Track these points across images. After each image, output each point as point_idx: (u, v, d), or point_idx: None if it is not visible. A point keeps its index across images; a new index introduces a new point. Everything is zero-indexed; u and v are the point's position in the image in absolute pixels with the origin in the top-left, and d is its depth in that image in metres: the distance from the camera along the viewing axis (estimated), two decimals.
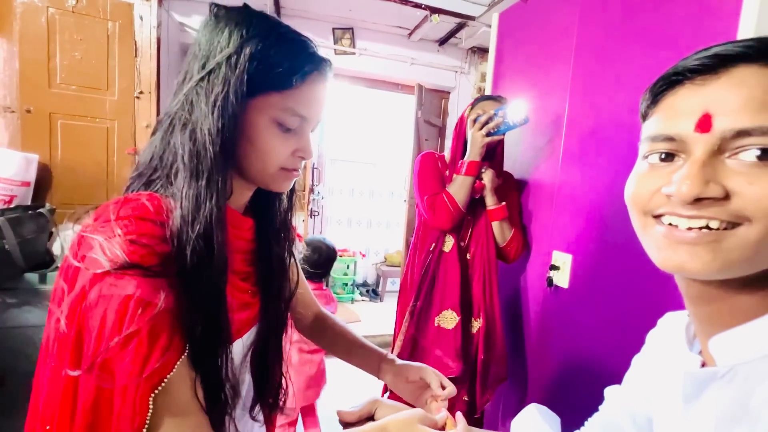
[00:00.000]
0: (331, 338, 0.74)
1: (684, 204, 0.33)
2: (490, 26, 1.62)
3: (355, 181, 4.01)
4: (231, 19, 0.45)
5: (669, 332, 0.48)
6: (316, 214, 2.95)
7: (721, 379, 0.37)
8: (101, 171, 2.13)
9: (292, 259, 0.61)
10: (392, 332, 1.35)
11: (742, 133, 0.32)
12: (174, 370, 0.38)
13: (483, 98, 1.25)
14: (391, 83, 3.17)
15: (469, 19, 2.57)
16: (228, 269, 0.45)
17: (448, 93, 3.25)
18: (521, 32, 1.44)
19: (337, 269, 3.61)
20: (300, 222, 2.57)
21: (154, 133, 0.47)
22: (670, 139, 0.35)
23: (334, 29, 2.82)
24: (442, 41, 2.98)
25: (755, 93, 0.32)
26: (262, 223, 0.55)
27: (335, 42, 2.82)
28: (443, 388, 0.62)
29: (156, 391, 0.36)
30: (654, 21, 0.93)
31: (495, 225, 1.24)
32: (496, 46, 1.58)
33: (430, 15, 2.51)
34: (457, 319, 1.19)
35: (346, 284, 3.61)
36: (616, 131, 1.02)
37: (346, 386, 2.15)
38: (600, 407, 0.57)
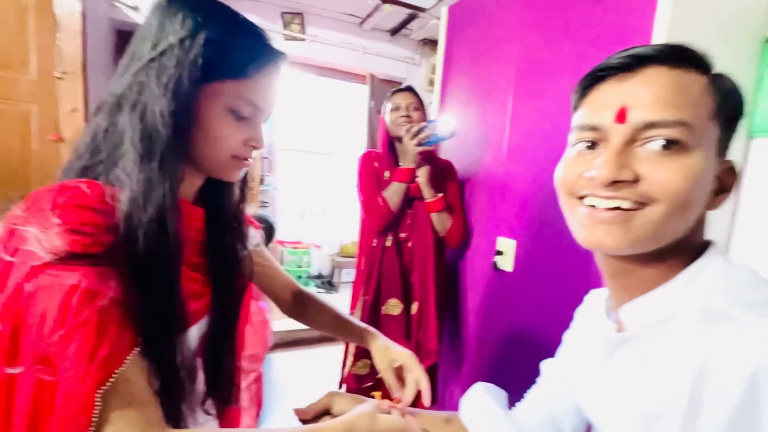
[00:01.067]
0: (313, 315, 0.75)
1: (602, 186, 0.38)
2: (439, 19, 1.65)
3: (308, 172, 3.92)
4: (186, 3, 0.44)
5: (592, 307, 0.54)
6: (267, 205, 2.85)
7: (630, 341, 0.42)
8: (18, 160, 1.89)
9: (246, 251, 0.60)
10: None
11: (649, 125, 0.36)
12: (125, 364, 0.36)
13: (396, 91, 1.36)
14: (343, 72, 3.12)
15: (420, 11, 2.59)
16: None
17: (400, 83, 3.27)
18: (469, 26, 1.48)
19: (290, 261, 3.54)
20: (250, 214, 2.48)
21: (96, 113, 0.44)
22: (593, 128, 0.40)
23: (282, 13, 2.71)
24: (394, 31, 2.98)
25: (661, 91, 0.36)
26: (212, 213, 0.55)
27: (284, 27, 2.71)
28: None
29: (105, 387, 0.34)
30: (582, 23, 1.00)
31: (434, 216, 1.32)
32: (445, 39, 1.61)
33: (382, 4, 2.49)
34: (401, 306, 1.31)
35: (300, 277, 3.56)
36: (555, 125, 1.09)
37: (301, 386, 2.13)
38: (537, 380, 0.63)
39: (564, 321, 1.04)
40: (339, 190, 4.05)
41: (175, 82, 0.41)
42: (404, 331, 1.32)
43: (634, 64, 0.38)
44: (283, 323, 2.74)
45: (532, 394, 0.61)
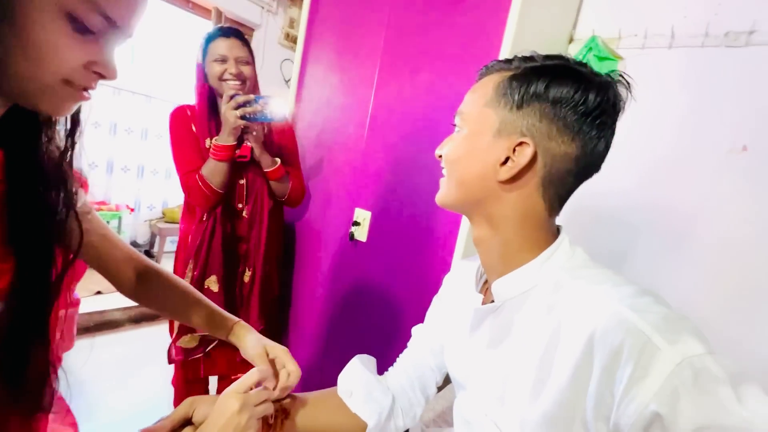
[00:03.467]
0: (162, 299, 0.62)
1: (436, 156, 0.53)
2: None
3: (119, 115, 3.11)
4: None
5: (460, 276, 0.60)
6: None
7: (496, 311, 0.49)
8: None
9: (72, 213, 0.46)
10: None
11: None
12: None
13: (220, 34, 1.10)
14: (183, 0, 2.55)
15: None
16: None
17: (253, 30, 2.91)
18: None
19: None
20: None
21: None
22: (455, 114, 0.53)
23: None
24: None
25: (472, 95, 0.51)
26: (17, 158, 0.41)
27: None
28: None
29: None
30: (445, 28, 1.09)
31: (273, 183, 1.22)
32: None
33: None
34: (218, 284, 1.18)
35: None
36: (415, 102, 1.16)
37: (120, 379, 1.75)
38: (408, 343, 0.67)
39: (412, 288, 1.16)
40: (162, 142, 3.37)
41: None
42: (224, 305, 1.19)
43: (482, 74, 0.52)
44: (83, 305, 2.16)
45: (403, 357, 0.66)
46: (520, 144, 0.45)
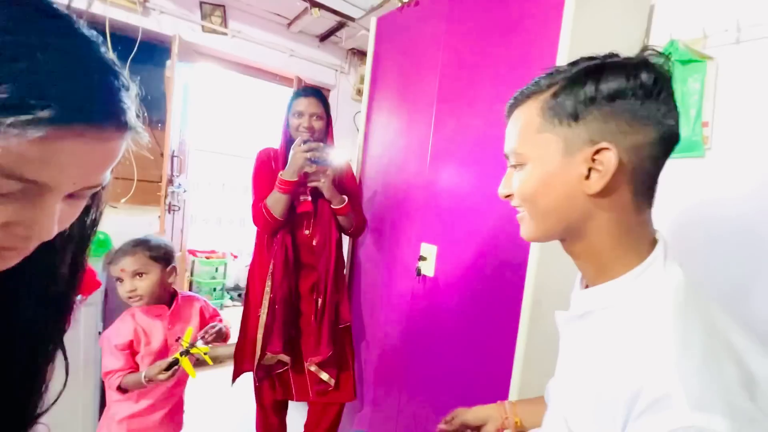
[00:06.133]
0: None
1: (501, 197, 0.54)
2: (368, 30, 1.68)
3: (226, 176, 3.66)
4: None
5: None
6: (177, 209, 2.56)
7: (579, 318, 0.51)
8: None
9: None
10: None
11: (506, 156, 0.53)
12: None
13: (301, 94, 1.34)
14: (269, 73, 2.99)
15: (350, 20, 2.61)
16: None
17: (329, 90, 3.25)
18: (397, 38, 1.52)
19: (202, 272, 3.24)
20: (156, 218, 2.21)
21: None
22: (506, 155, 0.54)
23: (201, 3, 2.51)
24: (323, 37, 2.96)
25: (509, 128, 0.52)
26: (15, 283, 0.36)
27: (203, 18, 2.52)
28: None
29: None
30: (498, 44, 1.10)
31: (341, 218, 1.36)
32: (373, 49, 1.64)
33: (311, 8, 2.46)
34: (292, 308, 1.33)
35: (215, 289, 3.27)
36: (474, 135, 1.16)
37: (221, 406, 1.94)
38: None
39: (483, 320, 1.10)
40: None
41: None
42: (302, 327, 1.36)
43: (512, 106, 0.53)
44: None
45: None
46: (598, 152, 0.43)
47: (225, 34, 2.59)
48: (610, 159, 0.42)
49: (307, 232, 1.33)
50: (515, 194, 0.51)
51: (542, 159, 0.47)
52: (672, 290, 0.43)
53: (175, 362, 0.97)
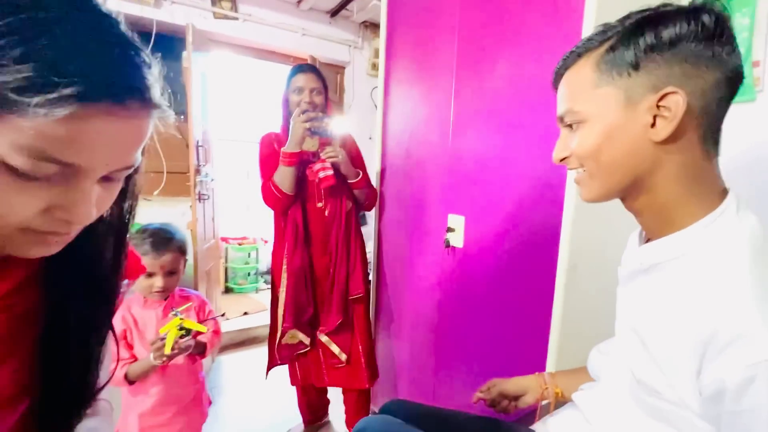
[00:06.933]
0: None
1: (556, 161, 0.54)
2: (379, 0, 1.61)
3: (249, 164, 3.71)
4: None
5: (630, 243, 0.60)
6: (206, 197, 2.65)
7: (644, 272, 0.51)
8: None
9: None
10: None
11: (559, 119, 0.52)
12: None
13: (299, 70, 1.33)
14: (283, 55, 2.97)
15: None
16: None
17: (343, 68, 3.19)
18: (411, 4, 1.46)
19: (236, 258, 3.35)
20: (188, 208, 2.29)
21: None
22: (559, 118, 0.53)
23: None
24: (334, 12, 2.88)
25: (562, 90, 0.52)
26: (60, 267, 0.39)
27: (213, 4, 2.50)
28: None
29: None
30: (520, 13, 1.03)
31: (356, 191, 1.40)
32: (386, 20, 1.58)
33: None
34: (310, 275, 1.38)
35: (249, 273, 3.39)
36: (497, 101, 1.11)
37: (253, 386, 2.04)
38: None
39: (517, 289, 1.08)
40: None
41: None
42: (317, 294, 1.41)
43: (560, 70, 0.52)
44: (231, 323, 2.59)
45: None
46: (663, 98, 0.43)
47: (236, 18, 2.57)
48: (677, 102, 0.42)
49: (320, 204, 1.35)
50: (574, 155, 0.50)
51: (602, 114, 0.46)
52: (748, 237, 0.43)
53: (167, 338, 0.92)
